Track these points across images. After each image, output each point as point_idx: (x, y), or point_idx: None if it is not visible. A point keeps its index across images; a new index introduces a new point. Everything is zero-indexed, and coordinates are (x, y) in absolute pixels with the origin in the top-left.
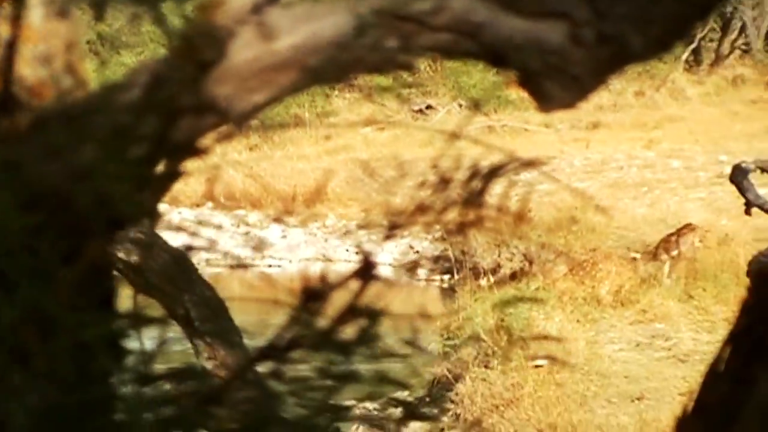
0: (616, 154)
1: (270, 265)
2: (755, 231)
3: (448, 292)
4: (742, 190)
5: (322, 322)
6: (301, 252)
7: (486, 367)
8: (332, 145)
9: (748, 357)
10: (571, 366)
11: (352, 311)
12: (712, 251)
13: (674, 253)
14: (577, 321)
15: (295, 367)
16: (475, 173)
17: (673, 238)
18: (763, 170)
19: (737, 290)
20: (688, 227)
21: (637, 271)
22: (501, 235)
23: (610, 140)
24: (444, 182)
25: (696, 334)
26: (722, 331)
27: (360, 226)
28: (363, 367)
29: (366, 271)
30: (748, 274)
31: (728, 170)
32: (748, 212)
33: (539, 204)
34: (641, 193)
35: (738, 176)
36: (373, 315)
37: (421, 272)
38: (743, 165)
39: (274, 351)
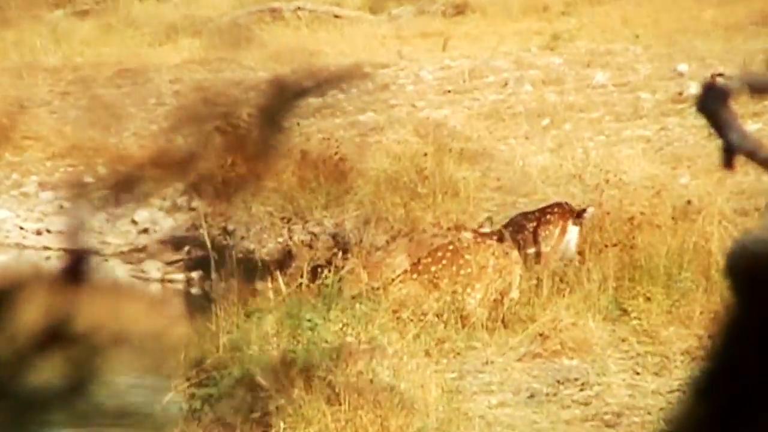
0: (494, 59)
1: None
2: (736, 196)
3: (200, 301)
4: (718, 125)
5: None
6: None
7: None
8: None
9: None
10: (417, 429)
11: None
12: (662, 232)
13: (532, 248)
14: (427, 353)
15: None
16: (248, 94)
17: (530, 224)
18: (755, 90)
19: (707, 299)
20: (559, 209)
21: (529, 267)
22: (294, 202)
23: (484, 36)
24: (196, 109)
25: (634, 377)
26: (680, 373)
27: (44, 185)
28: None
29: (73, 270)
30: (729, 271)
31: (693, 90)
32: (728, 165)
33: (362, 148)
34: (539, 128)
35: (712, 101)
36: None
37: (152, 265)
38: (721, 81)
39: None
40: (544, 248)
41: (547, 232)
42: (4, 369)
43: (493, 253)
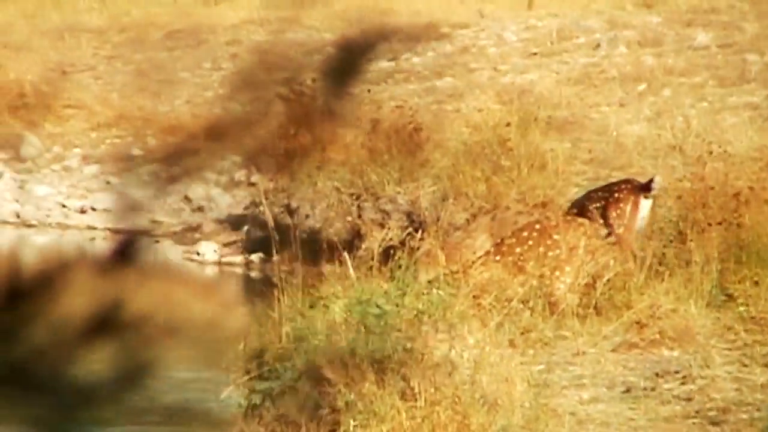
0: (585, 18)
1: None
2: None
3: (261, 286)
4: None
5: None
6: None
7: None
8: (26, 2)
9: None
10: (501, 427)
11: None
12: None
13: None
14: (511, 344)
15: None
16: (313, 57)
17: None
18: None
19: None
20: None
21: (629, 243)
22: (363, 176)
23: None
24: (255, 74)
25: (741, 369)
26: None
27: (88, 158)
28: None
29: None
30: None
31: None
32: None
33: (439, 117)
34: (635, 94)
35: None
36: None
37: (207, 247)
38: None
39: None
40: (618, 230)
41: (618, 212)
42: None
43: (585, 233)
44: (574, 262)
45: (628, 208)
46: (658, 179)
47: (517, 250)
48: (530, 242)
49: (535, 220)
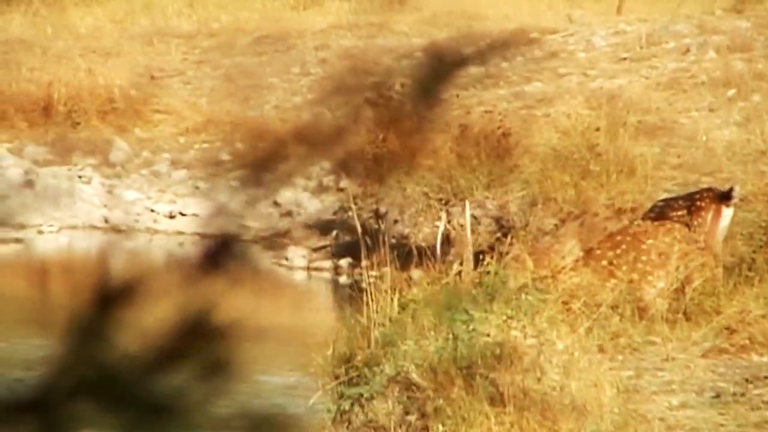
0: (674, 23)
1: None
2: None
3: (349, 291)
4: None
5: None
6: (63, 212)
7: None
8: (115, 6)
9: None
10: None
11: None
12: None
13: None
14: (600, 349)
15: None
16: (402, 62)
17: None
18: None
19: None
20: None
21: (713, 252)
22: (452, 182)
23: None
24: (344, 80)
25: None
26: None
27: (177, 163)
28: None
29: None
30: None
31: None
32: None
33: (528, 122)
34: (724, 99)
35: None
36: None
37: (296, 252)
38: None
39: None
40: (699, 238)
41: (699, 220)
42: (137, 368)
43: (676, 238)
44: (664, 268)
45: (710, 216)
46: (737, 189)
47: (609, 254)
48: (622, 247)
49: (626, 226)
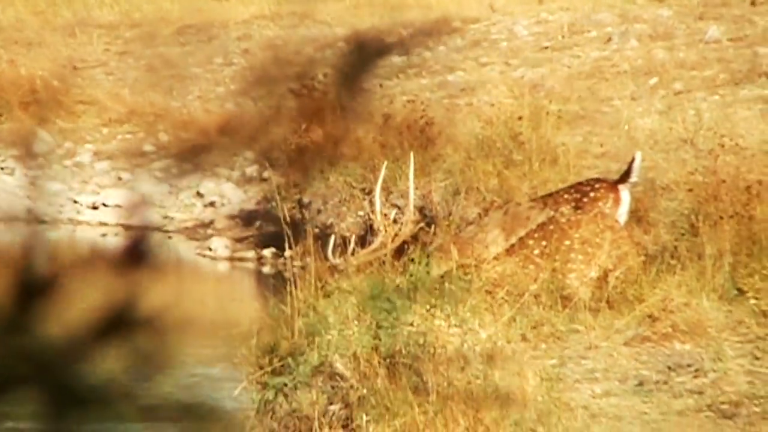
0: (596, 11)
1: None
2: None
3: (273, 281)
4: None
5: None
6: None
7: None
8: None
9: None
10: (513, 422)
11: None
12: None
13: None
14: (524, 338)
15: None
16: (325, 52)
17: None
18: None
19: None
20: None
21: (636, 241)
22: (375, 171)
23: None
24: (267, 70)
25: (753, 363)
26: None
27: (100, 154)
28: None
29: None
30: None
31: None
32: None
33: (451, 111)
34: (647, 88)
35: None
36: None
37: (219, 242)
38: None
39: None
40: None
41: (595, 211)
42: (61, 359)
43: (597, 226)
44: (586, 256)
45: (608, 206)
46: (638, 155)
47: (530, 243)
48: (542, 235)
49: (550, 215)
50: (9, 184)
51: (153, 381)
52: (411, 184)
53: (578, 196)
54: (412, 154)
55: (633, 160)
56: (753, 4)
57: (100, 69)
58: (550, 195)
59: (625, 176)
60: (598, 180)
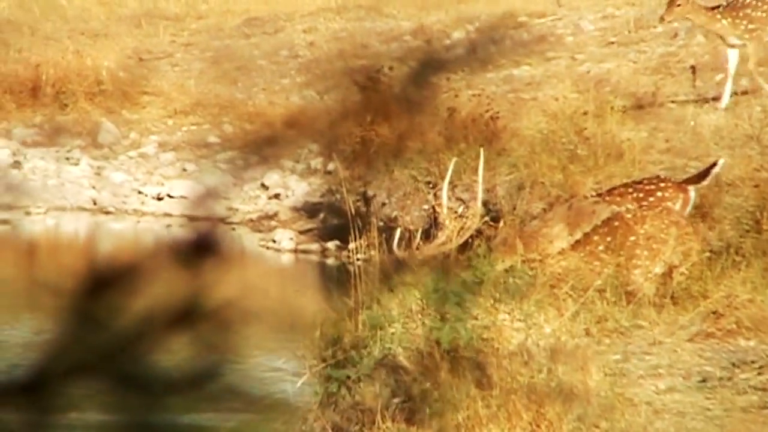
0: (662, 7)
1: None
2: None
3: (337, 274)
4: None
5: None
6: (51, 193)
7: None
8: None
9: None
10: (576, 416)
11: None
12: None
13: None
14: (587, 333)
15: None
16: (391, 46)
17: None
18: None
19: None
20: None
21: (702, 235)
22: (440, 165)
23: None
24: (333, 63)
25: None
26: None
27: (165, 145)
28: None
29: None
30: None
31: None
32: None
33: (516, 106)
34: (713, 83)
35: None
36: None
37: (284, 234)
38: None
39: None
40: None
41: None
42: (128, 349)
43: (662, 222)
44: (651, 252)
45: (678, 205)
46: (721, 162)
47: (595, 238)
48: (607, 230)
49: (616, 211)
50: (74, 174)
51: (217, 372)
52: (480, 179)
53: (642, 194)
54: (482, 149)
55: (714, 165)
56: None
57: (165, 60)
58: (614, 189)
59: (699, 178)
60: (657, 177)
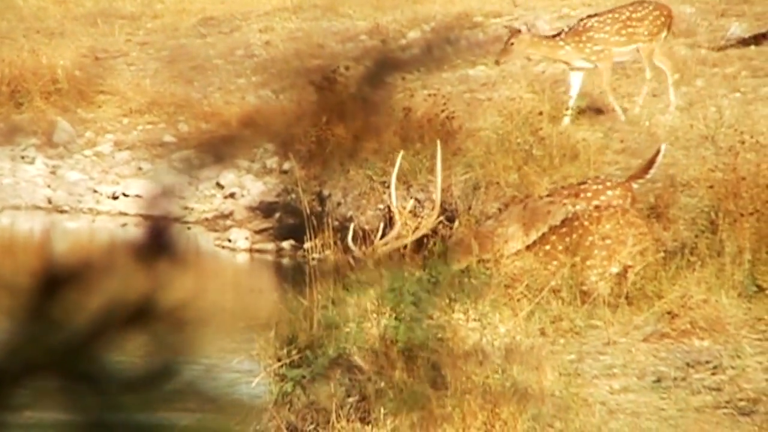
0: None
1: None
2: None
3: (292, 273)
4: None
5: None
6: (5, 192)
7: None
8: None
9: None
10: (531, 416)
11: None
12: None
13: None
14: (542, 333)
15: None
16: (346, 45)
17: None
18: None
19: None
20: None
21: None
22: (387, 164)
23: None
24: (289, 62)
25: None
26: None
27: (120, 144)
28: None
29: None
30: None
31: None
32: None
33: (472, 106)
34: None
35: None
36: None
37: (239, 234)
38: None
39: None
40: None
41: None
42: (81, 349)
43: (618, 222)
44: (606, 252)
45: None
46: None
47: (552, 238)
48: (565, 231)
49: (570, 212)
50: (30, 173)
51: (172, 372)
52: (438, 175)
53: (590, 195)
54: (438, 143)
55: (657, 153)
56: None
57: (121, 59)
58: (566, 189)
59: (644, 170)
60: (596, 179)
